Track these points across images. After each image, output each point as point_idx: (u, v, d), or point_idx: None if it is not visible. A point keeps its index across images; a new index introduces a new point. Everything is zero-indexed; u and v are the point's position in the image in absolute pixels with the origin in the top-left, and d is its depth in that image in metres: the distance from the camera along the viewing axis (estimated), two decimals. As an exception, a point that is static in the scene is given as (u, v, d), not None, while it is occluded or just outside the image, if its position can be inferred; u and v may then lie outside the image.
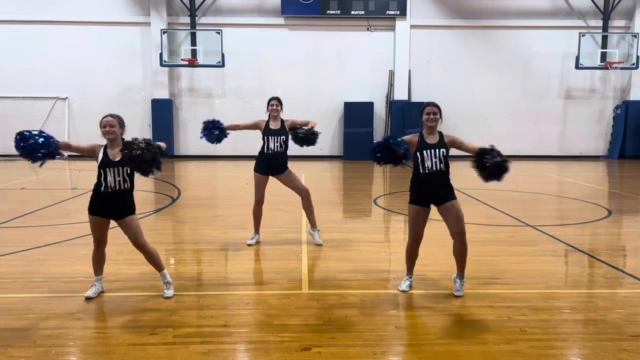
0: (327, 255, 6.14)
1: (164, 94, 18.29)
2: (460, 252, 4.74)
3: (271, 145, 6.31)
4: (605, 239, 7.38)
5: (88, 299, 4.62)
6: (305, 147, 6.30)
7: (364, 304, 4.58)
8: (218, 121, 6.41)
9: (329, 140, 18.57)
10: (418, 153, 4.61)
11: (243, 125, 6.54)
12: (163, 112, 18.23)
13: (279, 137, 6.31)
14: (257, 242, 6.59)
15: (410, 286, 4.92)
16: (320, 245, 6.51)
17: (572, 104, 19.23)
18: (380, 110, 18.83)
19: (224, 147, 20.14)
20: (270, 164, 6.37)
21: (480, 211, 8.73)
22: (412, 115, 18.13)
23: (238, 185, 12.34)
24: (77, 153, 4.68)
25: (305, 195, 6.50)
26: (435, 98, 17.85)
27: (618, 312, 4.41)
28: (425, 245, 6.68)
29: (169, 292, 4.70)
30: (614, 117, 19.14)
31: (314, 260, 5.98)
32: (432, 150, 4.59)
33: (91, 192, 4.57)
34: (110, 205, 4.51)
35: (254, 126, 6.47)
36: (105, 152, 4.51)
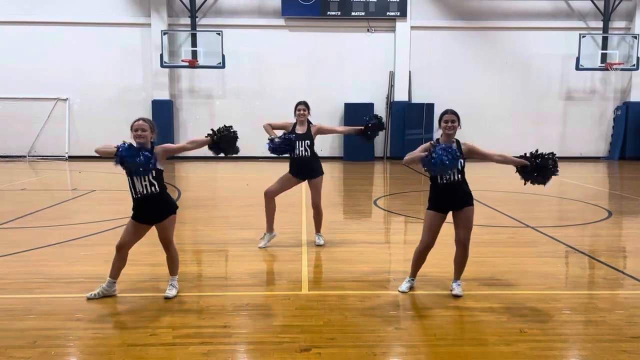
0: (327, 256, 6.14)
1: (164, 95, 18.30)
2: (462, 260, 4.77)
3: (296, 150, 6.35)
4: (606, 240, 7.37)
5: (90, 299, 4.63)
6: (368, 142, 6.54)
7: (364, 304, 4.58)
8: (290, 138, 6.29)
9: (329, 141, 18.59)
10: None
11: (274, 127, 6.51)
12: (163, 113, 18.23)
13: (303, 142, 6.34)
14: (272, 238, 6.54)
15: (411, 288, 4.91)
16: (322, 245, 6.52)
17: (573, 105, 19.23)
18: (380, 111, 18.81)
19: (224, 148, 20.01)
20: (300, 169, 6.43)
21: (481, 212, 8.71)
22: (412, 116, 18.17)
23: (238, 186, 12.35)
24: (104, 151, 4.53)
25: (316, 211, 6.57)
26: (436, 99, 17.92)
27: (618, 313, 4.41)
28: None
29: (172, 292, 4.71)
30: (614, 119, 19.14)
31: (314, 261, 5.98)
32: None
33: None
34: (145, 211, 4.56)
35: (282, 128, 6.49)
36: None
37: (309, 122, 6.47)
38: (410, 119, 18.17)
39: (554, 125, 19.22)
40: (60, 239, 6.80)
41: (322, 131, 6.52)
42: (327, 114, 18.25)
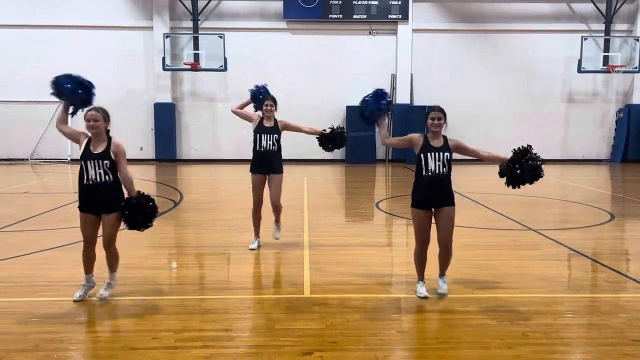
0: (329, 259, 6.13)
1: (166, 98, 18.33)
2: (445, 259, 4.82)
3: (263, 142, 6.31)
4: (608, 243, 7.35)
5: (75, 301, 4.61)
6: (325, 151, 6.47)
7: (366, 308, 4.58)
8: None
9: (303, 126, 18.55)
10: (422, 155, 4.63)
11: (244, 112, 6.48)
12: (165, 116, 18.27)
13: (271, 135, 6.31)
14: (259, 246, 6.58)
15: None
16: (277, 239, 6.59)
17: (575, 108, 19.21)
18: (382, 114, 18.82)
19: (226, 151, 20.11)
20: (263, 163, 6.37)
21: (482, 215, 8.71)
22: (414, 118, 18.14)
23: (240, 189, 12.33)
24: (63, 127, 4.66)
25: (275, 209, 6.59)
26: (438, 102, 17.86)
27: (621, 316, 4.39)
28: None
29: (107, 292, 4.68)
30: (616, 121, 19.12)
31: (315, 264, 5.97)
32: (436, 154, 4.60)
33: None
34: (95, 200, 4.50)
35: (248, 117, 6.43)
36: (87, 144, 4.51)
37: (275, 118, 6.43)
38: (412, 122, 18.11)
39: (556, 128, 19.19)
40: (62, 242, 6.80)
41: (288, 128, 6.44)
42: (328, 117, 18.24)
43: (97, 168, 4.45)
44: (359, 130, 17.24)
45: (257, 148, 6.35)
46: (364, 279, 5.37)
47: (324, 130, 6.35)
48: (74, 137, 4.61)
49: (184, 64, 17.53)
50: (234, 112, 6.51)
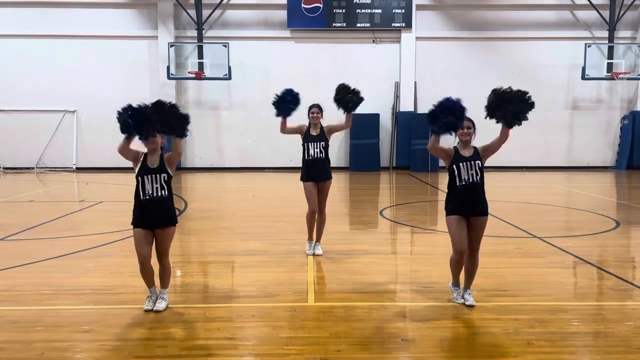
0: (333, 267, 6.13)
1: (171, 107, 18.38)
2: (473, 268, 4.78)
3: (311, 151, 6.39)
4: (614, 251, 7.32)
5: (147, 311, 4.64)
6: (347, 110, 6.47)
7: (371, 316, 4.57)
8: (292, 91, 6.39)
9: (335, 151, 18.60)
10: (454, 166, 4.64)
11: (289, 127, 6.54)
12: (170, 125, 18.32)
13: (318, 144, 6.39)
14: (315, 254, 6.52)
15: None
16: (319, 255, 6.55)
17: (579, 115, 19.17)
18: (386, 121, 18.86)
19: (230, 159, 20.12)
20: (314, 170, 6.43)
21: (487, 222, 8.67)
22: (418, 126, 18.17)
23: (245, 197, 12.38)
24: (127, 152, 4.56)
25: (320, 217, 6.56)
26: (441, 109, 17.93)
27: (627, 324, 4.37)
28: (430, 257, 6.68)
29: (162, 305, 4.70)
30: (621, 128, 19.07)
31: (320, 272, 5.97)
32: (468, 163, 4.62)
33: (132, 204, 4.63)
34: (152, 215, 4.56)
35: (297, 130, 6.51)
36: (144, 160, 4.59)
37: (321, 125, 6.52)
38: (416, 129, 18.15)
39: (560, 135, 19.15)
40: (68, 251, 6.83)
41: (332, 129, 6.56)
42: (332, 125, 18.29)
43: (154, 183, 4.52)
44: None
45: (306, 157, 6.43)
46: (369, 287, 5.37)
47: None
48: (135, 158, 4.60)
49: (189, 72, 17.62)
50: (283, 133, 6.56)
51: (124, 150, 4.53)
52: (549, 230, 8.13)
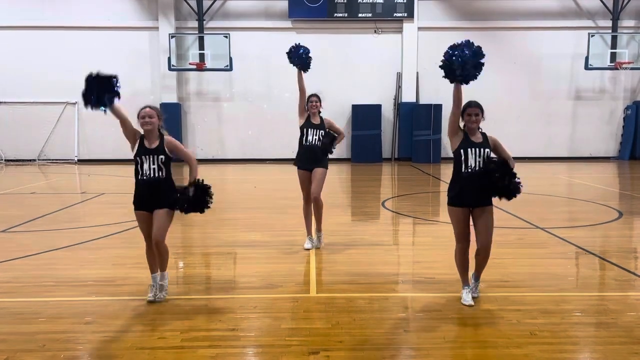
0: (335, 259, 6.12)
1: (172, 98, 18.36)
2: (484, 260, 4.62)
3: (309, 137, 6.39)
4: (617, 241, 7.30)
5: (150, 302, 4.64)
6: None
7: (373, 307, 4.56)
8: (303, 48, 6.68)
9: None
10: (462, 150, 4.43)
11: (303, 84, 6.68)
12: (171, 116, 18.26)
13: (318, 131, 6.40)
14: (314, 246, 6.49)
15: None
16: (319, 248, 6.51)
17: (582, 105, 19.08)
18: (388, 112, 18.80)
19: (231, 151, 20.08)
20: (308, 158, 6.41)
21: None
22: (420, 117, 18.12)
23: (246, 189, 12.36)
24: (120, 119, 4.55)
25: (315, 203, 6.47)
26: (443, 100, 17.85)
27: (630, 315, 4.36)
28: (432, 248, 6.67)
29: (162, 294, 4.71)
30: (624, 118, 18.98)
31: (322, 263, 5.96)
32: (477, 149, 4.42)
33: (133, 187, 4.66)
34: (148, 196, 4.57)
35: (302, 112, 6.50)
36: (142, 142, 4.60)
37: (321, 116, 6.52)
38: (418, 120, 18.11)
39: (563, 125, 19.08)
40: (70, 242, 6.83)
41: (332, 128, 6.54)
42: (334, 116, 18.13)
43: (151, 163, 4.54)
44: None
45: (304, 142, 6.42)
46: (371, 278, 5.36)
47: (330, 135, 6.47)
48: (131, 131, 4.59)
49: (190, 64, 17.56)
50: (299, 85, 6.69)
51: (121, 125, 4.55)
52: (552, 221, 8.11)
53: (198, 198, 4.60)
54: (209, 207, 4.69)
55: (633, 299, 4.85)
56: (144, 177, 4.55)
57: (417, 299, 4.80)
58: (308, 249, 6.42)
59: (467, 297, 4.59)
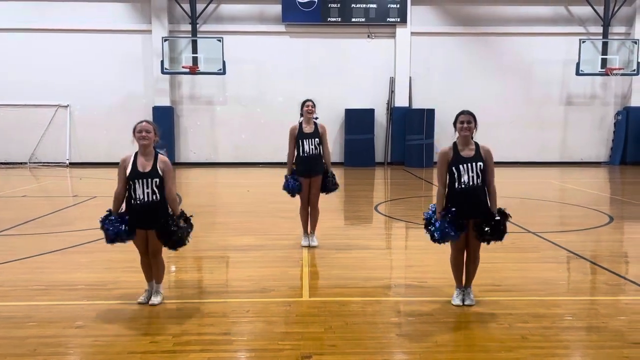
0: (328, 262, 6.12)
1: (165, 102, 18.32)
2: (474, 268, 4.70)
3: (306, 147, 6.45)
4: (607, 246, 7.35)
5: (140, 303, 4.69)
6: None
7: (365, 311, 4.57)
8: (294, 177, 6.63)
9: (329, 146, 18.56)
10: (454, 168, 4.43)
11: (292, 145, 6.56)
12: (164, 120, 18.20)
13: (313, 140, 6.45)
14: (311, 245, 6.67)
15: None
16: (315, 246, 6.64)
17: (573, 111, 19.22)
18: (381, 117, 18.85)
19: (224, 154, 20.06)
20: (308, 166, 6.51)
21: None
22: (412, 122, 18.18)
23: (239, 193, 12.35)
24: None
25: (312, 209, 6.69)
26: (436, 105, 17.95)
27: (620, 319, 4.39)
28: (424, 252, 6.68)
29: (157, 299, 4.73)
30: (615, 124, 19.13)
31: (314, 267, 5.96)
32: (469, 164, 4.41)
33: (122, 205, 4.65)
34: (143, 217, 4.51)
35: (294, 140, 6.52)
36: (134, 163, 4.50)
37: (315, 123, 6.55)
38: (411, 125, 18.17)
39: (554, 131, 19.20)
40: (61, 246, 6.79)
41: (322, 137, 6.58)
42: (328, 120, 18.18)
43: (145, 187, 4.46)
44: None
45: (301, 153, 6.48)
46: (363, 282, 5.36)
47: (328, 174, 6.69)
48: (123, 174, 4.55)
49: (183, 67, 17.52)
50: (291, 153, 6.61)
51: (122, 191, 4.57)
52: (543, 226, 8.15)
53: (174, 233, 4.51)
54: (184, 243, 4.63)
55: (623, 303, 4.89)
56: (138, 202, 4.48)
57: (409, 303, 4.81)
58: (305, 246, 6.62)
59: (456, 299, 4.69)
